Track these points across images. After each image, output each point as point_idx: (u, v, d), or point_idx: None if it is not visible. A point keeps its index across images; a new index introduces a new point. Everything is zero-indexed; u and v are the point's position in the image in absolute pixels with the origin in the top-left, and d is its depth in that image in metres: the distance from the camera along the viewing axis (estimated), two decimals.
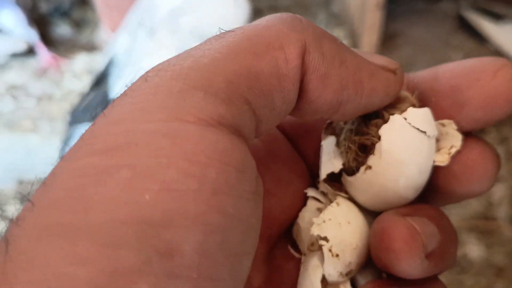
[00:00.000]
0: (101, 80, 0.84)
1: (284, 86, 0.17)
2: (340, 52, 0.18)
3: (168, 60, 0.17)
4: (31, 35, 0.95)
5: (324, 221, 0.20)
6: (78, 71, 1.00)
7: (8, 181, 0.96)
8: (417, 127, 0.19)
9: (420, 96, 0.20)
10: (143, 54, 0.79)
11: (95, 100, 0.81)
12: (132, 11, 0.88)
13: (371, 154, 0.19)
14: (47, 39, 1.02)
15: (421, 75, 0.20)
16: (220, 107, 0.15)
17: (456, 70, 0.19)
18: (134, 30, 0.83)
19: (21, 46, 0.97)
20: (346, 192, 0.21)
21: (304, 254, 0.21)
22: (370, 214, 0.21)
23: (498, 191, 0.92)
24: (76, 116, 0.82)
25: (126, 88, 0.16)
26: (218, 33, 0.18)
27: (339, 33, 1.05)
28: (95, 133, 0.15)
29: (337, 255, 0.19)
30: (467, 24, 1.02)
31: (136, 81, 0.16)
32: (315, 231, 0.19)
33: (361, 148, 0.20)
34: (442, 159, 0.19)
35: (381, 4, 0.88)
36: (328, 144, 0.21)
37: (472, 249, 0.88)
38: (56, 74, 0.99)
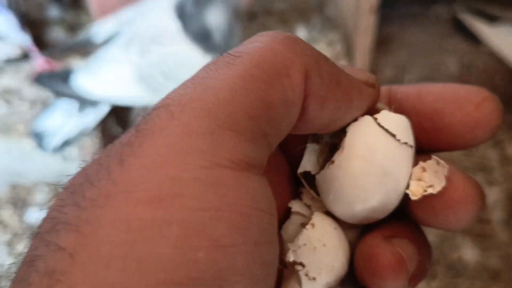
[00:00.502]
0: (70, 48, 0.92)
1: (291, 112, 0.17)
2: (336, 74, 0.18)
3: (186, 90, 0.16)
4: (24, 39, 0.94)
5: (299, 247, 0.19)
6: None
7: (2, 186, 0.95)
8: (386, 128, 0.19)
9: (401, 112, 0.20)
10: (113, 58, 0.83)
11: (57, 73, 0.88)
12: (130, 8, 0.90)
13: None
14: (41, 43, 1.02)
15: (405, 91, 0.21)
16: (248, 147, 0.15)
17: (440, 94, 0.20)
18: (119, 26, 0.87)
19: (15, 52, 0.97)
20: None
21: (285, 266, 0.21)
22: (347, 225, 0.21)
23: (493, 195, 0.93)
24: (39, 77, 0.88)
25: (147, 119, 0.16)
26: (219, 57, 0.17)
27: (333, 37, 1.05)
28: (133, 177, 0.14)
29: (313, 278, 0.19)
30: (462, 27, 1.02)
31: (160, 115, 0.15)
32: (291, 257, 0.19)
33: (332, 149, 0.21)
34: (414, 192, 0.19)
35: (375, 8, 0.88)
36: (310, 148, 0.22)
37: (467, 252, 0.88)
38: None
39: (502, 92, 1.01)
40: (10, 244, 0.89)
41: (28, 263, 0.14)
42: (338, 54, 1.01)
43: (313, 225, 0.20)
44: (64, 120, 0.89)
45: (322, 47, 1.03)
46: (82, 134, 0.90)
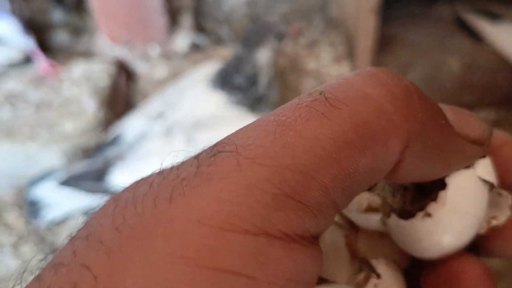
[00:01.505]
0: (101, 149, 0.84)
1: (374, 177, 0.16)
2: (442, 140, 0.17)
3: (262, 138, 0.15)
4: (28, 43, 0.95)
5: None
6: (76, 78, 1.01)
7: (7, 188, 0.96)
8: (485, 178, 0.19)
9: None
10: (155, 151, 0.79)
11: (91, 171, 0.81)
12: (158, 96, 0.89)
13: (431, 200, 0.18)
14: (45, 47, 1.03)
15: None
16: (310, 221, 0.14)
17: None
18: (152, 119, 0.83)
19: (18, 56, 0.97)
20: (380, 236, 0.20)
21: None
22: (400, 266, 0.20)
23: None
24: (69, 179, 0.82)
25: (212, 159, 0.15)
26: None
27: (335, 38, 1.05)
28: (175, 224, 0.13)
29: None
30: (465, 25, 1.02)
31: (225, 160, 0.14)
32: None
33: (418, 190, 0.19)
34: (481, 226, 0.19)
35: (376, 8, 0.88)
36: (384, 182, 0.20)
37: None
38: (54, 81, 1.00)
39: (504, 91, 1.01)
40: (15, 246, 0.90)
41: (54, 265, 0.14)
42: (340, 55, 1.02)
43: (379, 275, 0.19)
44: (67, 193, 0.84)
45: (324, 48, 1.03)
46: (85, 211, 0.89)
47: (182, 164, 0.15)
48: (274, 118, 0.15)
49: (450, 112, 0.18)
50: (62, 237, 0.90)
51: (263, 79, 0.80)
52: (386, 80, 0.16)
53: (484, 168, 0.19)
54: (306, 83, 0.97)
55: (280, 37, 0.81)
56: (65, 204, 0.84)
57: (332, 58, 1.01)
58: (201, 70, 0.88)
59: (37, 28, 1.03)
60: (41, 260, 0.15)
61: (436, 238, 0.18)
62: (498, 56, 0.98)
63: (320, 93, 0.15)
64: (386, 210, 0.19)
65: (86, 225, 0.15)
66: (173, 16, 1.06)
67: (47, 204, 0.85)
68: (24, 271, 0.15)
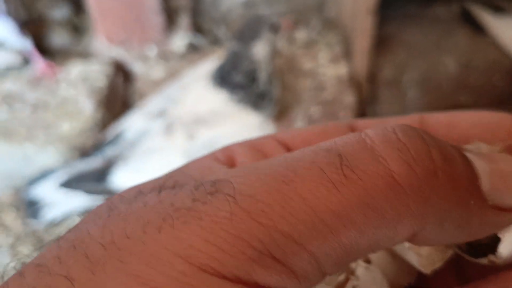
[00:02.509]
0: (101, 147, 0.84)
1: (375, 250, 0.15)
2: (467, 219, 0.16)
3: (258, 195, 0.14)
4: (25, 44, 0.95)
5: None
6: (73, 79, 1.01)
7: (4, 189, 0.96)
8: None
9: None
10: (155, 148, 0.79)
11: (92, 171, 0.81)
12: (157, 94, 0.88)
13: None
14: (42, 48, 1.02)
15: (437, 119, 0.20)
16: (290, 284, 0.14)
17: (473, 121, 0.20)
18: (153, 117, 0.83)
19: (16, 59, 0.97)
20: None
21: None
22: None
23: None
24: (70, 180, 0.81)
25: (207, 197, 0.15)
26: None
27: (332, 39, 1.05)
28: (143, 255, 0.14)
29: None
30: (469, 17, 1.02)
31: (218, 203, 0.14)
32: None
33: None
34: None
35: (373, 9, 0.88)
36: None
37: None
38: (51, 82, 1.00)
39: (500, 92, 1.01)
40: (12, 247, 0.90)
41: (38, 266, 0.15)
42: (337, 55, 1.02)
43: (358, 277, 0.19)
44: (67, 193, 0.83)
45: (321, 48, 1.04)
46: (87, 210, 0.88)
47: (181, 189, 0.15)
48: (283, 172, 0.15)
49: (489, 177, 0.16)
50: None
51: (263, 74, 0.79)
52: (413, 157, 0.15)
53: None
54: (303, 84, 0.97)
55: (274, 29, 0.80)
56: (65, 204, 0.83)
57: (329, 58, 1.01)
58: (202, 68, 0.87)
59: (34, 29, 1.03)
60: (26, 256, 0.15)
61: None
62: (495, 56, 0.98)
63: (339, 157, 0.15)
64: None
65: (76, 227, 0.16)
66: (170, 16, 1.06)
67: (47, 204, 0.84)
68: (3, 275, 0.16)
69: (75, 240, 0.15)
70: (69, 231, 0.16)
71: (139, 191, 0.17)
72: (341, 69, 0.99)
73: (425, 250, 0.19)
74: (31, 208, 0.85)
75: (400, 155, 0.15)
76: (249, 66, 0.79)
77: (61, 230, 0.81)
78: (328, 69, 0.99)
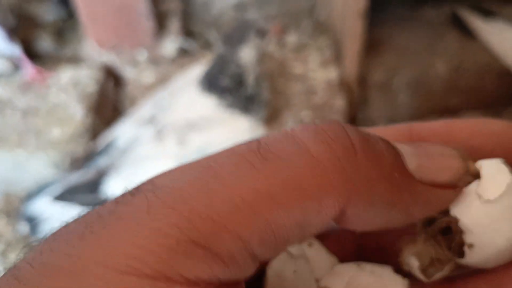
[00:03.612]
0: (93, 158, 0.84)
1: (306, 231, 0.15)
2: (395, 193, 0.16)
3: (176, 184, 0.14)
4: (14, 50, 0.95)
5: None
6: (64, 84, 1.00)
7: None
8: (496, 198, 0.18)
9: None
10: (147, 156, 0.79)
11: (85, 183, 0.81)
12: (148, 101, 0.88)
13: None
14: (32, 53, 1.02)
15: (430, 128, 0.20)
16: (218, 268, 0.14)
17: (474, 130, 0.19)
18: (143, 124, 0.83)
19: (5, 65, 0.97)
20: None
21: None
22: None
23: None
24: (63, 193, 0.81)
25: (128, 198, 0.15)
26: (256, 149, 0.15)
27: (323, 42, 1.05)
28: (78, 263, 0.14)
29: None
30: (458, 21, 1.01)
31: (137, 200, 0.14)
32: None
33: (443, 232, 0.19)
34: None
35: (363, 12, 0.88)
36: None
37: None
38: (41, 88, 0.99)
39: (491, 94, 1.01)
40: (3, 254, 0.90)
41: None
42: (327, 59, 1.02)
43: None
44: (62, 206, 0.83)
45: (311, 52, 1.03)
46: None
47: (112, 198, 0.15)
48: (204, 163, 0.15)
49: (414, 157, 0.17)
50: None
51: (250, 78, 0.79)
52: (330, 137, 0.15)
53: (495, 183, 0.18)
54: (294, 88, 0.97)
55: (261, 34, 0.80)
56: (61, 218, 0.83)
57: (319, 62, 1.01)
58: (191, 73, 0.87)
59: (23, 35, 1.03)
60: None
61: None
62: (485, 59, 0.98)
63: (258, 143, 0.15)
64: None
65: (16, 263, 0.15)
66: (160, 21, 1.06)
67: (44, 219, 0.85)
68: None
69: (13, 268, 0.15)
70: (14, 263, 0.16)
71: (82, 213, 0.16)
72: (332, 73, 0.99)
73: (427, 251, 0.18)
74: (30, 224, 0.85)
75: (317, 136, 0.15)
76: (235, 70, 0.79)
77: None
78: (318, 73, 0.99)
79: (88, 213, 0.15)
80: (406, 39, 1.02)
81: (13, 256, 0.90)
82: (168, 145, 0.79)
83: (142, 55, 1.05)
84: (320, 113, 0.95)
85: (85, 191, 0.80)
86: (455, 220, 0.18)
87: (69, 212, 0.82)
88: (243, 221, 0.14)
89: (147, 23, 1.02)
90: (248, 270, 0.15)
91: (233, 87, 0.79)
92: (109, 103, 1.03)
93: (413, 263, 0.18)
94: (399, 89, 0.99)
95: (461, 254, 0.18)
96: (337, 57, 1.01)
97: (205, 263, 0.13)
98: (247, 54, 0.78)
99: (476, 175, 0.18)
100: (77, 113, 0.97)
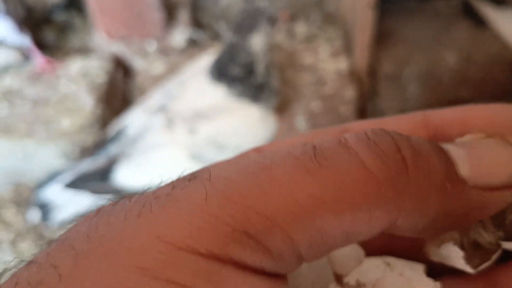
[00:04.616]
0: (104, 146, 0.84)
1: (353, 239, 0.16)
2: (447, 203, 0.16)
3: (233, 176, 0.15)
4: (24, 41, 0.95)
5: None
6: (73, 75, 1.00)
7: (5, 185, 0.96)
8: None
9: (443, 139, 0.19)
10: (157, 144, 0.79)
11: (96, 171, 0.81)
12: (158, 89, 0.88)
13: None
14: (42, 44, 1.02)
15: (445, 117, 0.20)
16: (266, 261, 0.15)
17: (490, 118, 0.19)
18: (154, 112, 0.83)
19: (16, 56, 0.97)
20: None
21: None
22: None
23: None
24: (75, 181, 0.81)
25: (183, 184, 0.16)
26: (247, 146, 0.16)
27: (332, 33, 1.05)
28: (144, 249, 0.14)
29: None
30: (470, 10, 1.01)
31: (195, 186, 0.15)
32: None
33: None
34: None
35: (373, 3, 0.88)
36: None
37: None
38: (51, 78, 0.99)
39: (501, 85, 1.01)
40: (13, 243, 0.90)
41: (28, 263, 0.15)
42: (337, 50, 1.02)
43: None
44: (74, 194, 0.83)
45: (321, 43, 1.03)
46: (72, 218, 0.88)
47: (166, 183, 0.16)
48: (260, 161, 0.15)
49: (467, 161, 0.17)
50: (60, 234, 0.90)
51: (260, 66, 0.79)
52: (382, 151, 0.16)
53: None
54: (304, 79, 0.97)
55: (272, 21, 0.80)
56: (73, 205, 0.84)
57: (329, 53, 1.01)
58: (201, 62, 0.87)
59: (33, 25, 1.03)
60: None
61: None
62: (495, 50, 0.98)
63: (314, 148, 0.16)
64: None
65: (67, 230, 0.16)
66: (170, 12, 1.06)
67: (56, 206, 0.85)
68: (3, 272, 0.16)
69: (63, 237, 0.16)
70: (62, 233, 0.16)
71: (128, 194, 0.17)
72: (342, 64, 0.99)
73: (472, 237, 0.18)
74: (42, 211, 0.85)
75: (371, 149, 0.15)
76: (246, 58, 0.78)
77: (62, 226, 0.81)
78: (328, 64, 0.99)
79: (143, 194, 0.16)
80: (416, 30, 1.02)
81: (23, 246, 0.90)
82: (178, 134, 0.79)
83: (152, 46, 1.05)
84: (330, 103, 0.95)
85: (96, 178, 0.80)
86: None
87: (81, 199, 0.83)
88: (296, 224, 0.14)
89: (156, 14, 1.02)
90: (292, 267, 0.15)
91: (243, 76, 0.79)
92: (118, 93, 1.03)
93: (453, 252, 0.17)
94: (409, 80, 0.99)
95: None
96: (347, 48, 1.01)
97: (255, 254, 0.14)
98: (258, 41, 0.78)
99: None
100: (86, 103, 0.97)
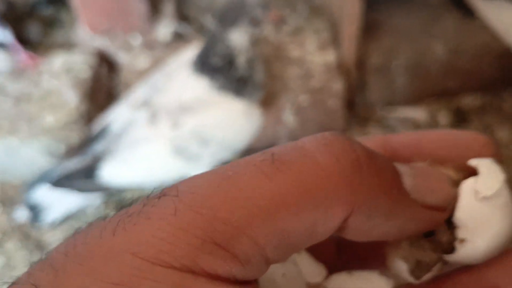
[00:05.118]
0: (89, 144, 0.83)
1: (313, 238, 0.17)
2: (392, 209, 0.18)
3: (199, 190, 0.16)
4: (6, 36, 0.93)
5: None
6: (56, 70, 0.99)
7: None
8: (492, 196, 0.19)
9: (397, 159, 0.20)
10: (141, 139, 0.79)
11: (81, 169, 0.80)
12: (141, 84, 0.87)
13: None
14: (23, 39, 1.00)
15: (401, 140, 0.21)
16: (235, 268, 0.15)
17: (441, 142, 0.21)
18: (137, 107, 0.82)
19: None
20: None
21: None
22: None
23: None
24: (61, 180, 0.80)
25: (154, 201, 0.16)
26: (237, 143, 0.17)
27: (319, 25, 1.04)
28: (119, 265, 0.15)
29: None
30: (459, 2, 1.00)
31: (164, 203, 0.16)
32: None
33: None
34: None
35: None
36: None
37: None
38: (34, 74, 0.97)
39: (489, 76, 1.01)
40: None
41: (10, 285, 0.16)
42: (325, 42, 1.00)
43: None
44: (61, 193, 0.83)
45: (308, 35, 1.02)
46: (85, 209, 0.88)
47: (138, 201, 0.17)
48: (223, 172, 0.16)
49: (411, 177, 0.18)
50: (46, 233, 0.89)
51: (241, 60, 0.78)
52: (338, 150, 0.17)
53: (489, 184, 0.19)
54: (291, 72, 0.96)
55: (255, 22, 0.79)
56: (61, 205, 0.84)
57: (317, 45, 1.00)
58: (185, 55, 0.86)
59: (15, 20, 1.01)
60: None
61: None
62: (484, 41, 0.98)
63: (272, 154, 0.17)
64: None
65: (48, 253, 0.17)
66: (154, 4, 1.04)
67: (45, 206, 0.84)
68: None
69: (44, 258, 0.17)
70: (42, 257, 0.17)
71: (104, 216, 0.18)
72: (329, 56, 0.98)
73: (413, 255, 0.20)
74: (32, 212, 0.85)
75: (326, 149, 0.17)
76: (225, 50, 0.77)
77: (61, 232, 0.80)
78: (315, 56, 0.98)
79: (116, 214, 0.17)
80: (404, 21, 1.01)
81: (8, 245, 0.89)
82: (162, 128, 0.78)
83: (136, 40, 1.04)
84: (318, 97, 0.94)
85: (82, 176, 0.79)
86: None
87: (69, 198, 0.82)
88: (260, 228, 0.15)
89: (140, 6, 1.00)
90: (261, 271, 0.16)
91: (222, 67, 0.78)
92: (103, 88, 1.02)
93: (401, 266, 0.20)
94: (397, 72, 0.98)
95: (451, 250, 0.19)
96: (335, 40, 1.00)
97: (225, 262, 0.15)
98: (237, 37, 0.77)
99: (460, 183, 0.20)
100: (70, 99, 0.96)
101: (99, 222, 0.17)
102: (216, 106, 0.78)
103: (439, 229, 0.20)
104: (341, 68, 0.96)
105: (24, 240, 0.91)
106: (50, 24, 1.10)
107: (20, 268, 0.87)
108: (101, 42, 1.03)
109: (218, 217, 0.15)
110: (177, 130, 0.78)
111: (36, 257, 0.88)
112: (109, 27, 1.02)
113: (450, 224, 0.20)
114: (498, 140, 0.97)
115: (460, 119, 0.99)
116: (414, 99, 1.01)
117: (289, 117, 0.94)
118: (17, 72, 0.97)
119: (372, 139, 0.21)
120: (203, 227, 0.15)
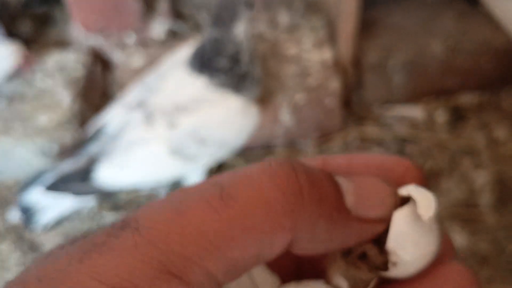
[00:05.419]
0: (84, 146, 0.82)
1: (260, 261, 0.19)
2: (333, 228, 0.20)
3: (156, 225, 0.18)
4: None
5: None
6: (50, 69, 0.98)
7: None
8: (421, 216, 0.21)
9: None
10: (137, 139, 0.78)
11: (76, 171, 0.79)
12: (137, 84, 0.85)
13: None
14: (16, 38, 0.99)
15: (337, 161, 0.23)
16: None
17: (368, 164, 0.23)
18: (133, 108, 0.81)
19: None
20: None
21: None
22: None
23: (480, 178, 0.92)
24: (56, 182, 0.79)
25: (116, 233, 0.18)
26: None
27: (316, 22, 1.03)
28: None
29: None
30: None
31: (127, 236, 0.18)
32: None
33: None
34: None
35: None
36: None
37: (455, 237, 0.87)
38: (27, 73, 0.96)
39: (487, 75, 1.00)
40: None
41: None
42: (321, 40, 0.99)
43: None
44: (56, 196, 0.81)
45: (305, 33, 1.01)
46: (79, 211, 0.87)
47: (101, 229, 0.19)
48: (178, 206, 0.18)
49: (352, 195, 0.20)
50: (40, 235, 0.88)
51: (245, 54, 0.77)
52: (282, 182, 0.19)
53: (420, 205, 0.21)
54: (287, 70, 0.95)
55: (249, 4, 0.78)
56: (56, 208, 0.83)
57: (313, 43, 0.99)
58: (179, 55, 0.85)
59: (8, 18, 0.99)
60: None
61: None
62: (482, 39, 0.97)
63: (221, 189, 0.18)
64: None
65: (21, 272, 0.18)
66: (148, 2, 1.03)
67: (39, 209, 0.83)
68: None
69: (18, 278, 0.18)
70: (16, 275, 0.18)
71: (73, 238, 0.20)
72: (326, 54, 0.97)
73: (351, 274, 0.22)
74: (26, 214, 0.83)
75: (272, 181, 0.19)
76: (233, 49, 0.77)
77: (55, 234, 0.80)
78: (312, 54, 0.97)
79: (83, 241, 0.18)
80: (401, 19, 1.00)
81: (2, 247, 0.88)
82: (158, 129, 0.77)
83: (131, 38, 1.02)
84: (315, 95, 0.93)
85: (77, 179, 0.78)
86: (369, 247, 0.21)
87: (63, 201, 0.81)
88: (210, 258, 0.17)
89: (134, 4, 0.99)
90: None
91: (229, 67, 0.77)
92: (97, 88, 1.01)
93: (342, 283, 0.22)
94: (395, 70, 0.97)
95: (385, 268, 0.21)
96: (331, 38, 0.99)
97: None
98: (241, 29, 0.76)
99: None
100: (64, 99, 0.94)
101: (67, 249, 0.18)
102: (213, 104, 0.77)
103: (371, 253, 0.21)
104: (338, 66, 0.95)
105: (18, 242, 0.90)
106: (43, 22, 1.08)
107: (14, 269, 0.86)
108: (95, 41, 1.02)
109: (174, 251, 0.17)
110: (173, 130, 0.77)
111: (29, 258, 0.87)
112: (103, 25, 1.01)
113: (382, 248, 0.21)
114: (496, 139, 0.96)
115: (458, 117, 0.98)
116: (412, 98, 1.00)
117: (285, 116, 0.93)
118: (10, 72, 0.96)
119: (313, 160, 0.23)
120: (160, 260, 0.17)
